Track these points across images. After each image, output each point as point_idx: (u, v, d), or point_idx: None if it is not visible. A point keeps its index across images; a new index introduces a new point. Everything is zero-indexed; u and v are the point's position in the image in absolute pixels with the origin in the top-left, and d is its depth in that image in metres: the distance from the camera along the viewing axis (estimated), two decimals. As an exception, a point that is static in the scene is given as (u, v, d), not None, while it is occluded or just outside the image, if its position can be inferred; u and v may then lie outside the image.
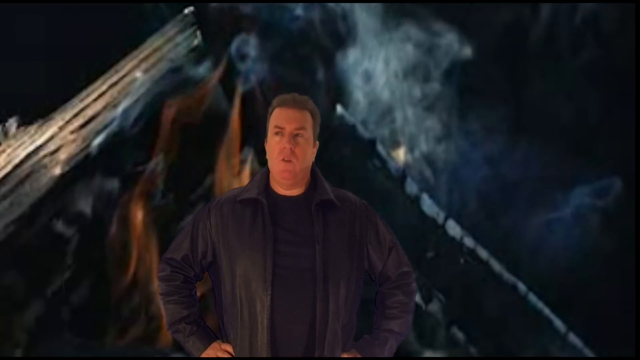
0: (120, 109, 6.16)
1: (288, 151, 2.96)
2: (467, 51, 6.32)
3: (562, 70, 6.33)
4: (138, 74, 6.15)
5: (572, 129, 6.29)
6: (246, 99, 6.29)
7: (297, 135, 2.98)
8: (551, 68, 6.35)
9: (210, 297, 3.15)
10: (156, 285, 5.68)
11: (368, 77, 6.39)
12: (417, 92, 6.40)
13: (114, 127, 6.17)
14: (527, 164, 6.31)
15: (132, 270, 6.13)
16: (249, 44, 6.25)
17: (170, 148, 6.20)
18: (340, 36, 6.35)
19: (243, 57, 6.26)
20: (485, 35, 6.32)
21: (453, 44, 6.31)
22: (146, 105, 6.22)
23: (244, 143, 6.30)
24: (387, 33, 6.35)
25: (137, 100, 6.19)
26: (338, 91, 6.36)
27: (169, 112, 6.18)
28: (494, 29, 6.32)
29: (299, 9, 6.26)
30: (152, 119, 6.24)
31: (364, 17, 6.35)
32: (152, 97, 6.25)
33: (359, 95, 6.39)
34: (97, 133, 6.15)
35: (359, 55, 6.37)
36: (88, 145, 6.15)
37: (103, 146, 6.16)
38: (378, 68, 6.40)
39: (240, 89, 6.29)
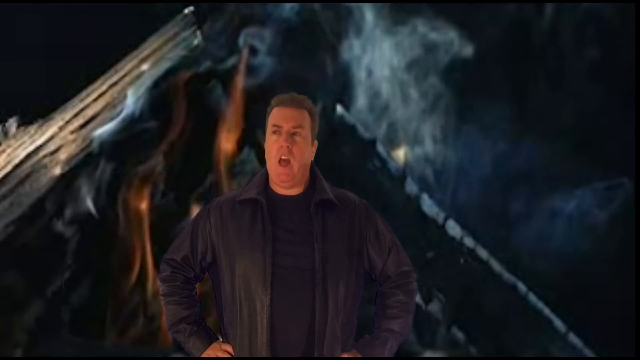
0: (119, 109, 6.16)
1: (285, 149, 2.96)
2: (469, 49, 6.31)
3: (565, 69, 6.33)
4: (144, 66, 6.16)
5: (574, 129, 6.29)
6: (247, 97, 6.29)
7: (294, 133, 2.98)
8: (555, 67, 6.34)
9: (211, 297, 3.15)
10: (156, 286, 5.69)
11: (369, 72, 6.38)
12: (418, 90, 6.40)
13: (114, 126, 6.17)
14: (529, 163, 6.31)
15: (135, 270, 6.13)
16: (256, 37, 6.24)
17: (183, 127, 6.19)
18: (341, 28, 6.34)
19: (251, 50, 6.26)
20: (488, 33, 6.31)
21: (455, 42, 6.31)
22: (145, 106, 6.22)
23: (244, 142, 6.30)
24: (389, 29, 6.34)
25: (137, 100, 6.19)
26: (339, 88, 6.36)
27: (179, 80, 6.18)
28: (496, 27, 6.32)
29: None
30: (153, 118, 6.24)
31: (365, 11, 6.34)
32: (152, 98, 6.25)
33: (359, 91, 6.39)
34: (98, 132, 6.15)
35: (360, 50, 6.37)
36: (88, 145, 6.15)
37: (104, 145, 6.16)
38: (378, 65, 6.40)
39: (240, 86, 6.29)
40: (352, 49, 6.37)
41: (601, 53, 6.27)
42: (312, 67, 6.31)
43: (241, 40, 6.28)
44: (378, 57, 6.38)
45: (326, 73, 6.34)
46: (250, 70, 6.27)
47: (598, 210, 6.29)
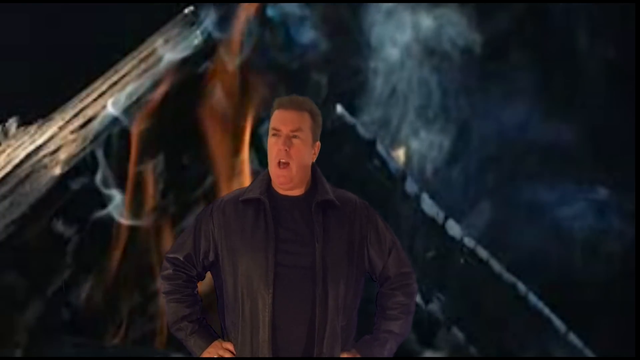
0: (119, 108, 6.16)
1: (283, 152, 2.98)
2: (477, 44, 6.31)
3: (575, 68, 6.33)
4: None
5: (576, 128, 6.29)
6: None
7: (293, 136, 3.00)
8: (565, 65, 6.34)
9: (212, 296, 3.16)
10: (157, 285, 5.68)
11: (374, 66, 6.39)
12: (421, 87, 6.40)
13: (113, 126, 6.18)
14: (531, 162, 6.32)
15: (135, 270, 6.13)
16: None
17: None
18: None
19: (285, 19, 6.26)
20: (497, 28, 6.30)
21: (465, 34, 6.30)
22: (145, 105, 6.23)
23: (245, 142, 6.31)
24: (396, 20, 6.35)
25: (136, 101, 6.19)
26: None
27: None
28: (506, 20, 6.31)
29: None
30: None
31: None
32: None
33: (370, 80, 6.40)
34: (97, 132, 6.16)
35: (373, 36, 6.38)
36: (88, 145, 6.15)
37: (103, 145, 6.16)
38: (385, 55, 6.40)
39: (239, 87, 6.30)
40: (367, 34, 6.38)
41: (605, 53, 6.28)
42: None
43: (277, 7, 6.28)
44: (388, 44, 6.38)
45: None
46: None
47: (599, 210, 6.29)
